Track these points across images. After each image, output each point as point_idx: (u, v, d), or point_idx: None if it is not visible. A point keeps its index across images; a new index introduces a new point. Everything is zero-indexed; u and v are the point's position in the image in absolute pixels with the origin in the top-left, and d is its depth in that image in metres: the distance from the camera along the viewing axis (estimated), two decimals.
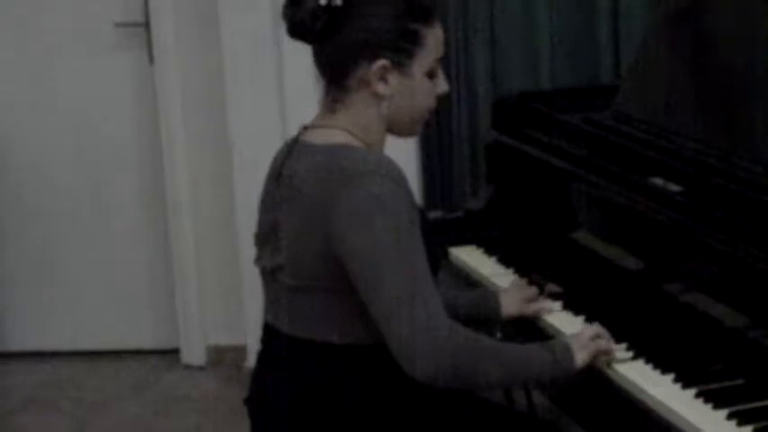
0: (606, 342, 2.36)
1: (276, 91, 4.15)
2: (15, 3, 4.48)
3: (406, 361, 2.17)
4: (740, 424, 2.10)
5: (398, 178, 2.21)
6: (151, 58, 4.40)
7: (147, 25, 4.37)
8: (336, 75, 2.30)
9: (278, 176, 2.33)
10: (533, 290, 2.70)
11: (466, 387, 2.30)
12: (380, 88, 2.28)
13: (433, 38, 2.32)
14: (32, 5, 4.46)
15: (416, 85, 2.31)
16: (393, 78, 2.28)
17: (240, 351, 4.46)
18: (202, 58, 4.35)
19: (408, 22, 2.28)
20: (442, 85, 2.37)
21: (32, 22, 4.47)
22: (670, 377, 2.28)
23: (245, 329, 4.36)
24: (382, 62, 2.26)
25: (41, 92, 4.53)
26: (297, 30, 2.30)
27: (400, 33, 2.27)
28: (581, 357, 2.32)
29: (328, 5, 2.24)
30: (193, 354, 4.60)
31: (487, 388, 2.40)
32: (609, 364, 2.35)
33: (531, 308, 2.67)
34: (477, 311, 2.64)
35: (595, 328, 2.39)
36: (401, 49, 2.27)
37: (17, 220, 4.65)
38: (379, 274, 2.16)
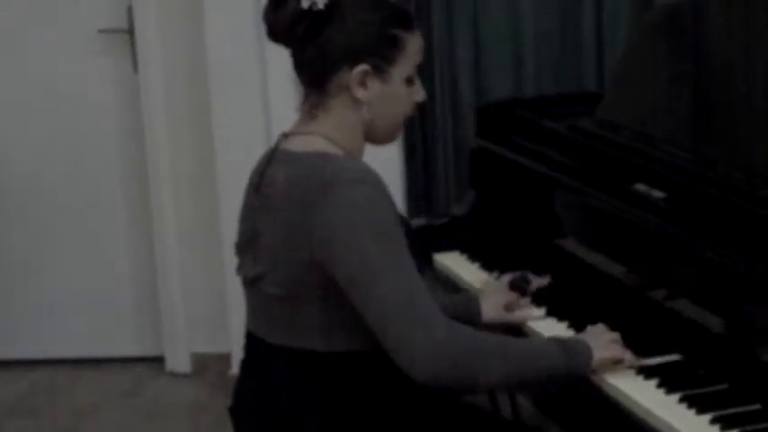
0: (623, 351, 2.34)
1: (260, 98, 4.15)
2: None
3: (406, 362, 2.15)
4: (723, 429, 2.11)
5: (379, 185, 2.21)
6: (135, 65, 4.40)
7: (131, 32, 4.37)
8: (316, 80, 2.30)
9: (258, 185, 2.33)
10: (513, 295, 2.70)
11: (468, 387, 2.25)
12: (360, 93, 2.28)
13: (413, 44, 2.32)
14: (16, 13, 4.45)
15: (395, 91, 2.31)
16: (373, 84, 2.28)
17: (225, 359, 4.46)
18: (186, 65, 4.35)
19: (390, 28, 2.28)
20: (420, 93, 2.37)
21: (16, 28, 4.46)
22: (653, 382, 2.28)
23: (230, 337, 4.35)
24: (363, 67, 2.26)
25: (24, 98, 4.52)
26: (277, 34, 2.29)
27: (382, 39, 2.27)
28: (599, 357, 2.30)
29: (310, 9, 2.24)
30: (178, 361, 4.60)
31: (492, 388, 2.35)
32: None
33: (511, 316, 2.67)
34: (458, 316, 2.63)
35: (612, 333, 2.37)
36: (382, 54, 2.27)
37: (0, 228, 4.63)
38: (371, 279, 2.15)
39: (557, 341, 2.32)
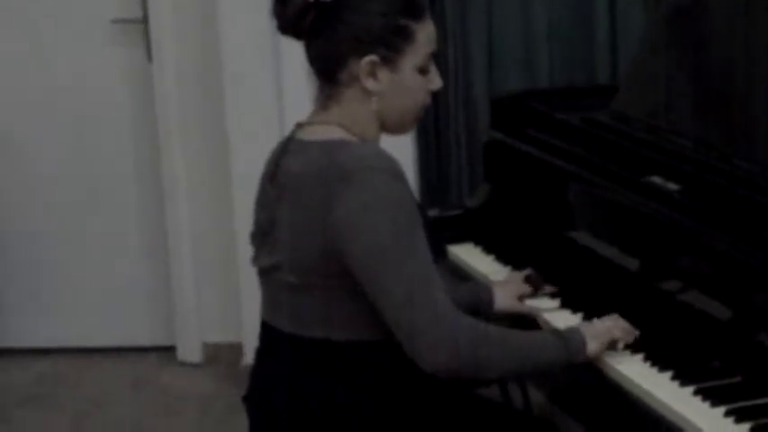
0: (622, 331, 2.37)
1: (274, 88, 4.15)
2: (11, 1, 4.47)
3: (418, 352, 2.17)
4: (738, 421, 2.11)
5: (397, 172, 2.22)
6: (149, 55, 4.40)
7: (145, 22, 4.37)
8: (327, 71, 2.30)
9: (273, 175, 2.33)
10: (526, 287, 2.71)
11: (473, 377, 2.30)
12: (370, 84, 2.28)
13: (424, 33, 2.31)
14: (29, 3, 4.46)
15: (407, 80, 2.30)
16: (382, 74, 2.28)
17: (236, 349, 4.46)
18: (200, 56, 4.35)
19: (398, 18, 2.28)
20: (436, 81, 2.36)
21: (29, 18, 4.47)
22: (668, 374, 2.28)
23: (242, 327, 4.36)
24: (371, 57, 2.26)
25: (38, 88, 4.52)
26: (286, 26, 2.30)
27: (390, 29, 2.27)
28: (593, 347, 2.33)
29: (317, 1, 2.25)
30: (190, 351, 4.60)
31: (496, 377, 2.40)
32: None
33: (524, 306, 2.68)
34: (470, 304, 2.63)
35: (613, 319, 2.40)
36: (390, 44, 2.27)
37: (14, 217, 4.65)
38: (385, 268, 2.16)
39: (555, 333, 2.37)
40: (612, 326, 2.39)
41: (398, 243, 2.16)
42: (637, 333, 2.39)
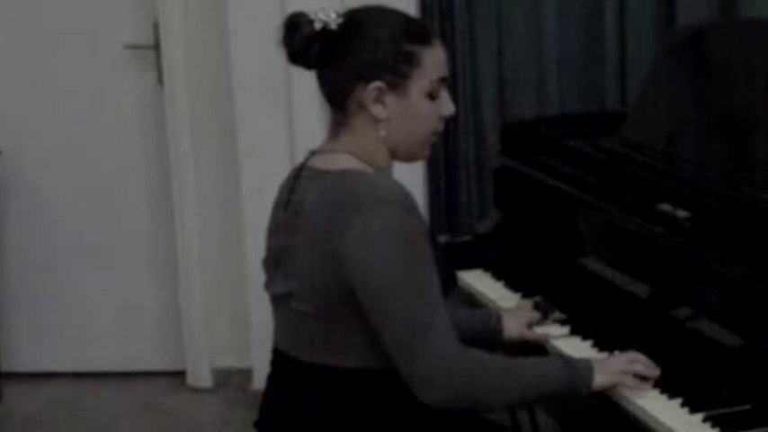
0: (633, 380, 2.34)
1: (285, 113, 4.16)
2: (25, 26, 4.49)
3: (419, 388, 2.18)
4: None
5: (409, 204, 2.22)
6: (161, 80, 4.42)
7: (156, 47, 4.39)
8: (336, 98, 2.31)
9: (286, 202, 2.34)
10: (536, 315, 2.70)
11: (479, 408, 2.32)
12: (377, 110, 2.28)
13: (431, 58, 2.31)
14: (42, 27, 4.48)
15: (415, 106, 2.30)
16: (390, 100, 2.28)
17: (246, 374, 4.46)
18: (212, 80, 4.37)
19: (404, 44, 2.28)
20: (448, 107, 2.36)
21: (42, 43, 4.49)
22: (677, 402, 2.28)
23: (252, 352, 4.36)
24: (377, 84, 2.26)
25: (51, 113, 4.54)
26: (295, 56, 2.31)
27: (395, 55, 2.27)
28: (600, 380, 2.31)
29: (323, 30, 2.26)
30: (199, 376, 4.60)
31: (498, 407, 2.40)
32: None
33: (533, 333, 2.68)
34: (480, 332, 2.64)
35: (631, 356, 2.38)
36: (396, 70, 2.27)
37: (22, 240, 4.66)
38: (391, 302, 2.16)
39: (561, 361, 2.36)
40: (627, 367, 2.35)
41: (406, 276, 2.17)
42: (658, 371, 2.36)
